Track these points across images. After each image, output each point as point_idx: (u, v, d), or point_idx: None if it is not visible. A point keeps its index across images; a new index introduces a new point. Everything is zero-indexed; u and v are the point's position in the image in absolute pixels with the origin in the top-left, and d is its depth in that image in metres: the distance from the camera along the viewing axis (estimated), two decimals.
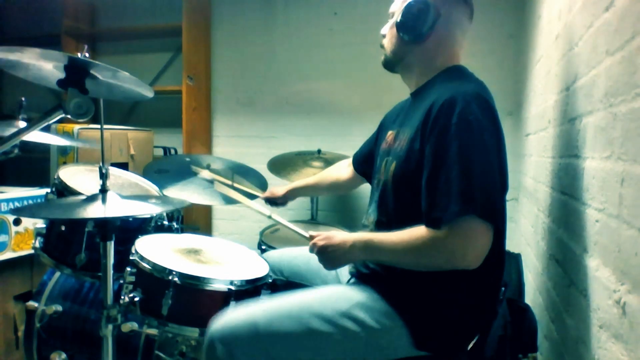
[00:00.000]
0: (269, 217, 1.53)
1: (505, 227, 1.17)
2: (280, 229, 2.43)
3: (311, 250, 1.27)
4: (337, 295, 1.17)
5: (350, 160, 1.67)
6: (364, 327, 1.10)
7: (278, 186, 1.79)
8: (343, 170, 1.70)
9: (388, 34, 1.32)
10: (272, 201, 1.79)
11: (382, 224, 1.23)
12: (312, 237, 1.28)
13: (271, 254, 1.62)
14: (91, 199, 1.22)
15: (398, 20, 1.24)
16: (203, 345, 1.14)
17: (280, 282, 1.50)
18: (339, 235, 1.23)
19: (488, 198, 1.03)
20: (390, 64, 1.33)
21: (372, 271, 1.21)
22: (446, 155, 1.04)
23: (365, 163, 1.55)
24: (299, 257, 1.50)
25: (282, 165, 2.57)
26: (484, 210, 1.01)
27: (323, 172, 1.79)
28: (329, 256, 1.22)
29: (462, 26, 1.26)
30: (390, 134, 1.32)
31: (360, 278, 1.25)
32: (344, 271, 1.37)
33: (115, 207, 1.19)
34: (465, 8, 1.26)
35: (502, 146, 1.13)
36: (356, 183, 1.67)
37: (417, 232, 1.07)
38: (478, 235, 1.02)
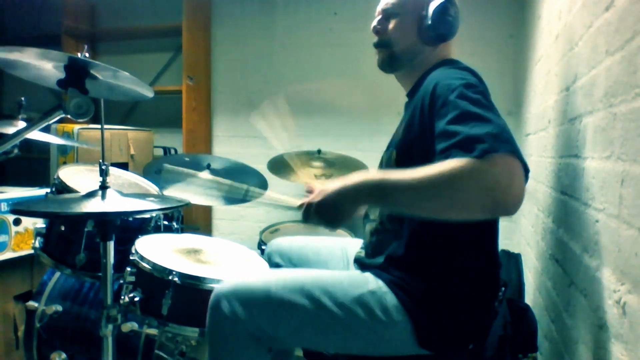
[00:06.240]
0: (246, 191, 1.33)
1: (497, 227, 1.16)
2: (280, 229, 2.43)
3: (306, 218, 1.10)
4: (351, 279, 1.16)
5: None
6: (371, 316, 1.09)
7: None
8: None
9: (398, 30, 1.25)
10: None
11: (390, 215, 1.20)
12: (302, 205, 1.12)
13: (281, 240, 1.59)
14: (90, 195, 1.22)
15: (428, 21, 1.18)
16: (208, 307, 1.12)
17: None
18: (335, 183, 1.05)
19: (508, 139, 0.91)
20: (398, 63, 1.27)
21: (380, 264, 1.20)
22: (456, 109, 0.95)
23: None
24: (309, 245, 1.50)
25: (282, 165, 2.57)
26: (509, 147, 0.89)
27: None
28: (330, 210, 1.04)
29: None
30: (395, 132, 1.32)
31: (366, 269, 1.24)
32: (352, 266, 1.36)
33: (114, 204, 1.19)
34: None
35: None
36: None
37: (451, 162, 0.89)
38: (518, 171, 0.88)
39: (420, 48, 1.24)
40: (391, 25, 1.26)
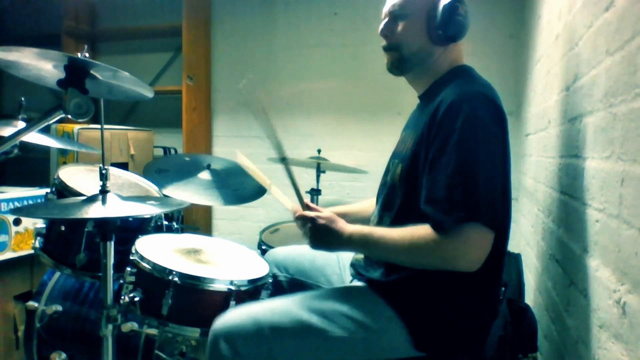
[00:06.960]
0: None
1: (508, 230, 1.16)
2: (280, 228, 2.43)
3: (303, 224, 1.21)
4: (338, 295, 1.18)
5: None
6: (364, 327, 1.10)
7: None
8: None
9: (407, 32, 1.22)
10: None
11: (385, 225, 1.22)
12: (308, 207, 1.26)
13: (277, 251, 1.61)
14: (91, 199, 1.22)
15: (438, 21, 1.16)
16: (207, 344, 1.15)
17: (285, 279, 1.50)
18: (340, 222, 1.18)
19: (491, 205, 1.03)
20: (408, 65, 1.24)
21: (374, 275, 1.20)
22: (450, 161, 1.03)
23: None
24: (305, 255, 1.49)
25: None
26: (487, 217, 1.01)
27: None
28: (322, 238, 1.17)
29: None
30: (402, 136, 1.31)
31: (362, 280, 1.25)
32: (347, 272, 1.37)
33: (115, 208, 1.19)
34: None
35: (507, 148, 1.12)
36: None
37: (420, 231, 1.05)
38: (480, 241, 1.02)
39: (430, 50, 1.21)
40: (400, 27, 1.22)
